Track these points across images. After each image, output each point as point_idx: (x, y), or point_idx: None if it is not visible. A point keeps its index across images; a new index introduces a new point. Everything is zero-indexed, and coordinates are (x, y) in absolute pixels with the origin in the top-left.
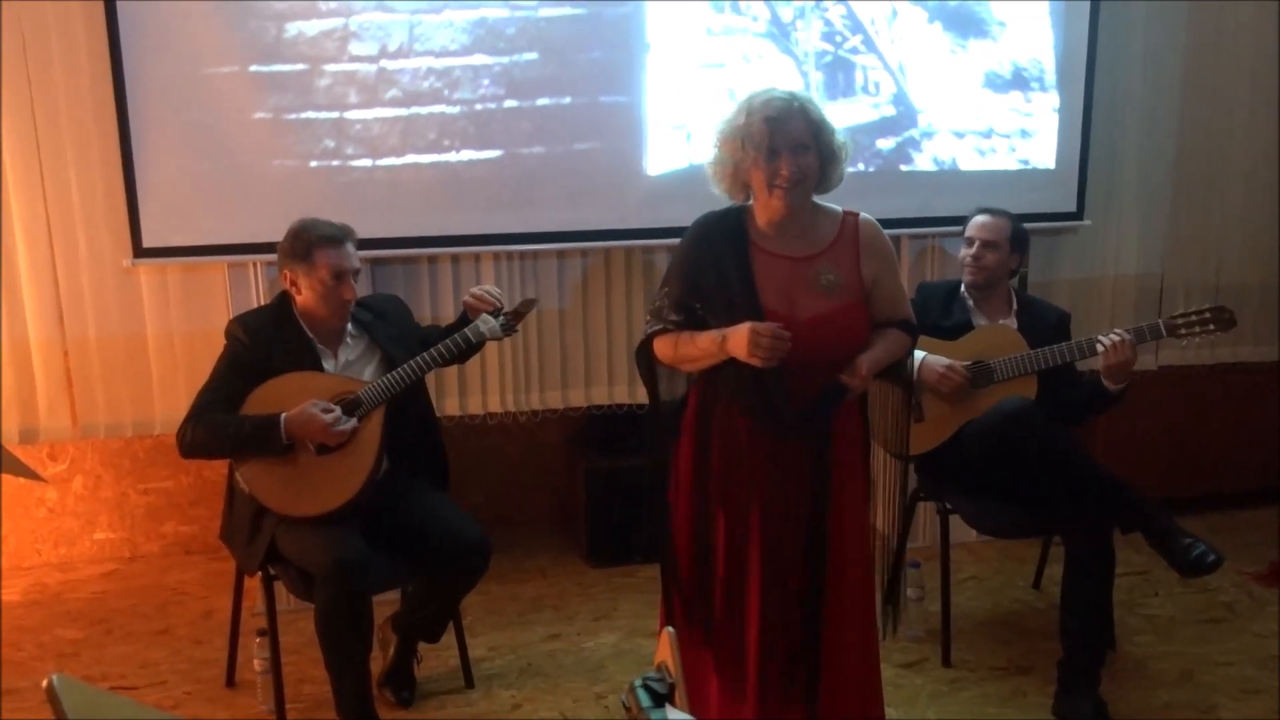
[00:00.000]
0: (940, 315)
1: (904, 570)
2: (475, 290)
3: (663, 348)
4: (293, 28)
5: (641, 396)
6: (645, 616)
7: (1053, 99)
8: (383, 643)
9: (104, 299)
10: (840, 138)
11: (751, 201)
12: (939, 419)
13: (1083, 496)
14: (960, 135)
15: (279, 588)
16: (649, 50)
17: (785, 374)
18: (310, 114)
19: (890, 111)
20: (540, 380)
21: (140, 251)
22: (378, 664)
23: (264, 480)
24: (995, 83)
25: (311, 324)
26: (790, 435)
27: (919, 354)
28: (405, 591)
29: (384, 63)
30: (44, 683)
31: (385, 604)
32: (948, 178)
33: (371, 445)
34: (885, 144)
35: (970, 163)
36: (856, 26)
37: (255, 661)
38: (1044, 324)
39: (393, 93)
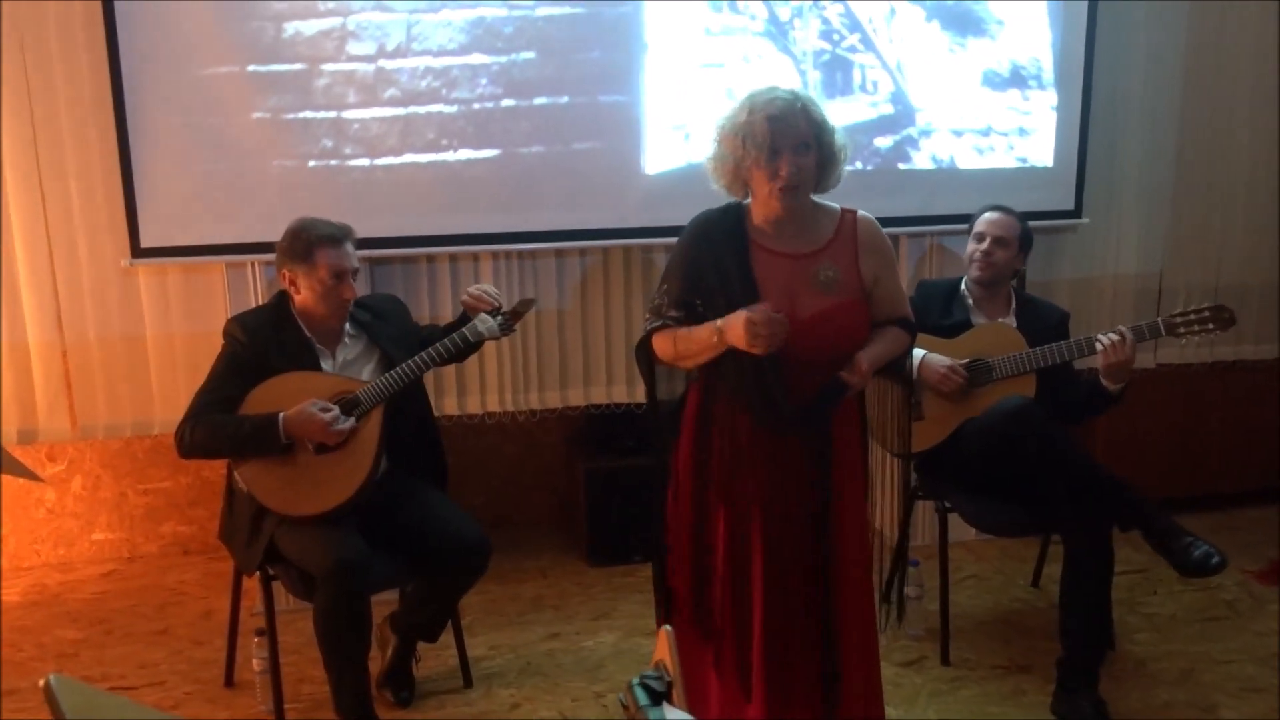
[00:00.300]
0: (940, 314)
1: (903, 568)
2: (473, 289)
3: (662, 344)
4: (290, 28)
5: (640, 396)
6: (645, 616)
7: (1051, 97)
8: (381, 643)
9: (103, 299)
10: (840, 139)
11: (749, 199)
12: (938, 417)
13: (1082, 495)
14: (959, 134)
15: (277, 588)
16: (647, 50)
17: (785, 371)
18: (308, 114)
19: (888, 110)
20: (539, 380)
21: (139, 252)
22: (376, 664)
23: (263, 480)
24: (993, 81)
25: (310, 324)
26: (790, 432)
27: (919, 352)
28: (404, 591)
29: (382, 62)
30: (41, 683)
31: (384, 604)
32: (946, 176)
33: (370, 445)
34: (883, 142)
35: (968, 161)
36: (854, 25)
37: (254, 661)
38: (1043, 323)
39: (391, 92)
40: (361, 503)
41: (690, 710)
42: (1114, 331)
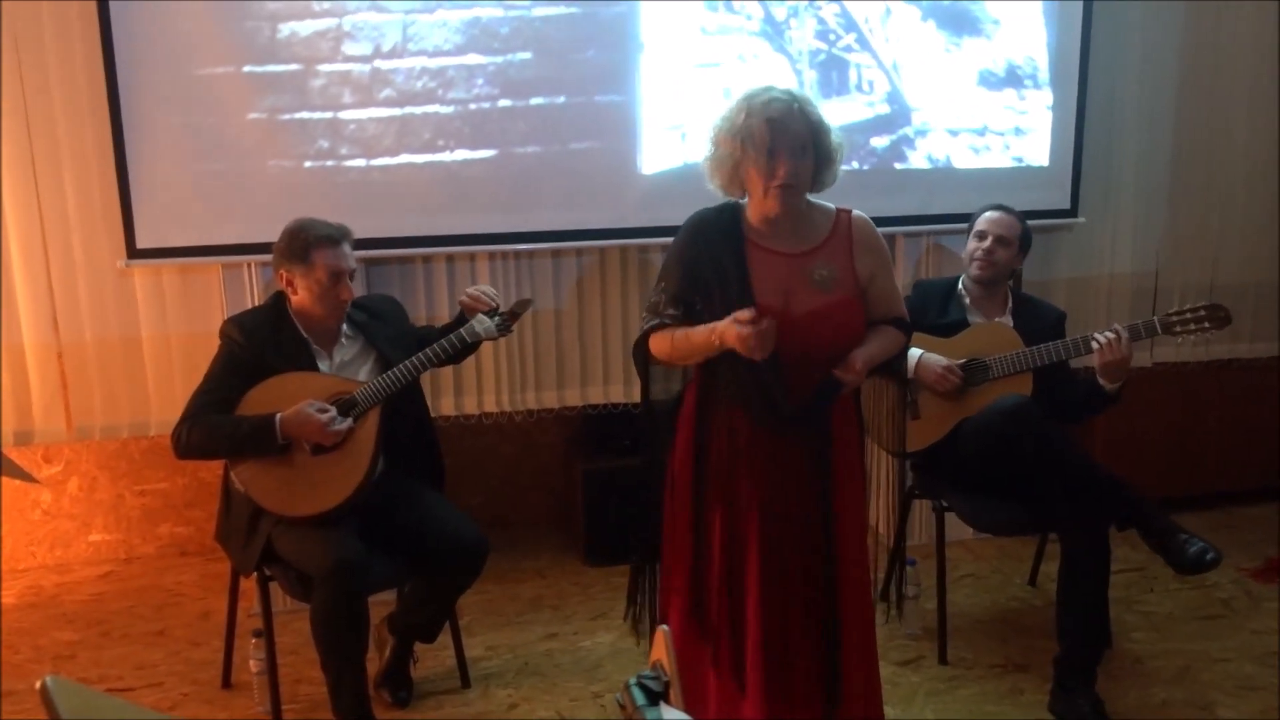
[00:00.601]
0: (938, 313)
1: (901, 567)
2: (471, 290)
3: (659, 344)
4: (286, 28)
5: (637, 395)
6: (642, 617)
7: (1047, 97)
8: (379, 643)
9: (98, 300)
10: (836, 139)
11: (746, 199)
12: (936, 417)
13: (1079, 494)
14: (954, 133)
15: (275, 589)
16: (643, 50)
17: (782, 370)
18: (304, 114)
19: (884, 109)
20: (536, 380)
21: (134, 252)
22: (374, 664)
23: (260, 481)
24: (989, 81)
25: (307, 324)
26: (788, 431)
27: (916, 352)
28: (401, 592)
29: (378, 63)
30: (37, 684)
31: (381, 604)
32: (942, 176)
33: (367, 445)
34: (879, 142)
35: (964, 160)
36: (850, 25)
37: (251, 662)
38: (1040, 323)
39: (387, 93)
40: (359, 503)
41: (688, 710)
42: (1110, 330)
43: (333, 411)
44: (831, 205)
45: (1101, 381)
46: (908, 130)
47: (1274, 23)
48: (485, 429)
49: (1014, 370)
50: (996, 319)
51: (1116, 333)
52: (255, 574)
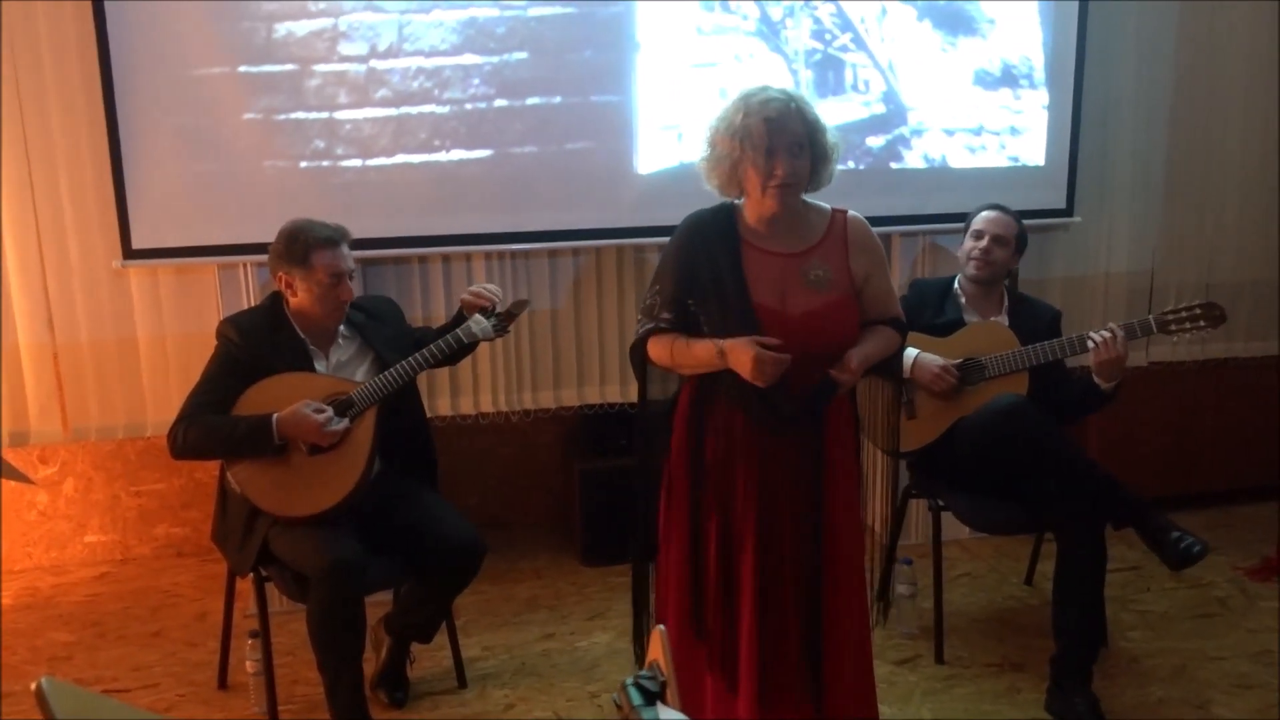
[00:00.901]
0: (934, 313)
1: (895, 566)
2: (473, 288)
3: (657, 350)
4: (282, 28)
5: (633, 395)
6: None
7: (1042, 96)
8: (375, 644)
9: (94, 301)
10: (833, 138)
11: (742, 199)
12: (932, 416)
13: (1075, 493)
14: (950, 133)
15: (271, 589)
16: (639, 49)
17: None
18: (300, 114)
19: (880, 109)
20: (532, 380)
21: (130, 253)
22: (370, 665)
23: (256, 481)
24: (985, 80)
25: (304, 325)
26: (783, 431)
27: (912, 351)
28: (398, 592)
29: (374, 63)
30: (33, 686)
31: (378, 605)
32: (938, 175)
33: (364, 446)
34: (875, 142)
35: (960, 160)
36: (846, 25)
37: (248, 663)
38: (1036, 322)
39: (383, 93)
40: (355, 504)
41: (684, 710)
42: (1106, 329)
43: (329, 412)
44: (827, 205)
45: (1097, 380)
46: (904, 130)
47: (1269, 22)
48: (482, 429)
49: (1010, 369)
50: (992, 318)
51: (1112, 332)
52: (251, 575)
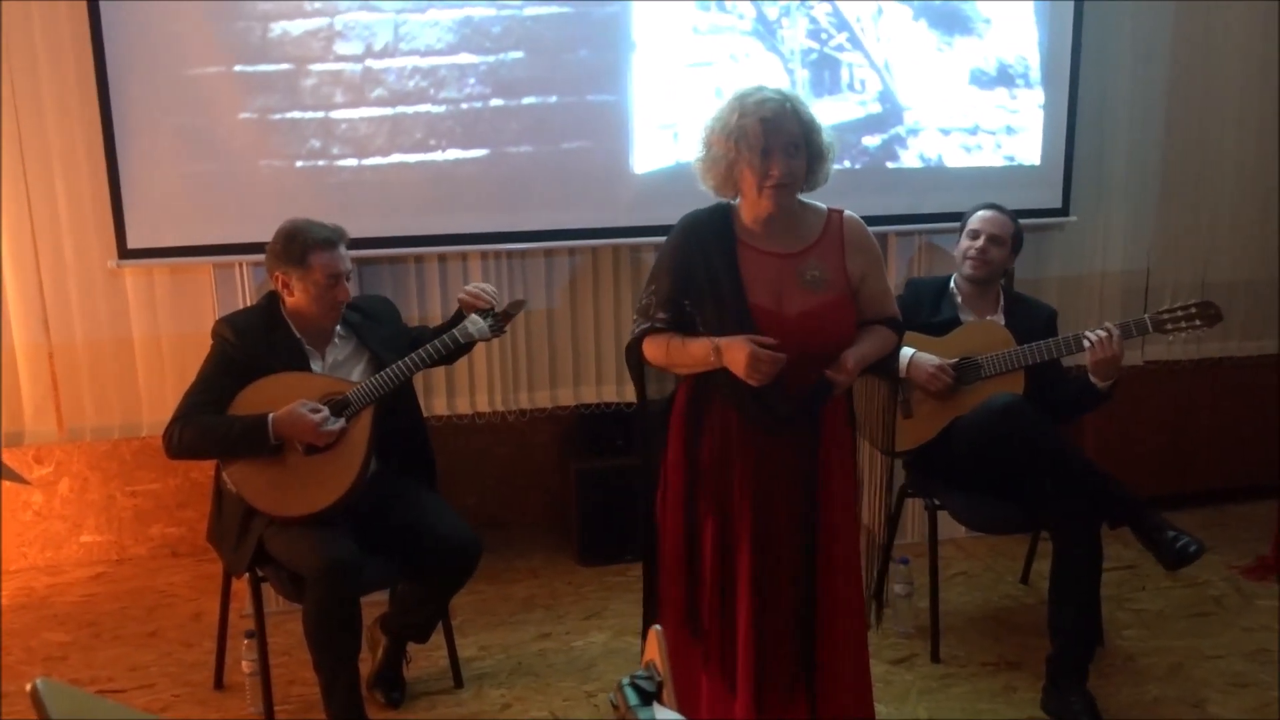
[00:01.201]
0: (930, 312)
1: (890, 565)
2: (470, 288)
3: (653, 350)
4: (277, 27)
5: (630, 395)
6: (636, 615)
7: (1038, 96)
8: (371, 644)
9: (89, 301)
10: (828, 137)
11: (738, 199)
12: (928, 415)
13: (1071, 492)
14: (946, 132)
15: (266, 589)
16: (635, 49)
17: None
18: (296, 114)
19: (876, 109)
20: (529, 379)
21: (125, 252)
22: (366, 665)
23: (252, 481)
24: (981, 80)
25: (301, 325)
26: (780, 431)
27: (908, 351)
28: (394, 592)
29: (369, 62)
30: (28, 687)
31: (373, 605)
32: (934, 174)
33: (360, 446)
34: (871, 141)
35: (956, 159)
36: (842, 24)
37: (244, 663)
38: (1032, 321)
39: (379, 92)
40: (351, 504)
41: (680, 710)
42: (1101, 328)
43: (325, 411)
44: (823, 205)
45: (1093, 380)
46: (900, 129)
47: (1264, 22)
48: (479, 429)
49: (1006, 369)
50: (988, 318)
51: (1108, 331)
52: (247, 575)
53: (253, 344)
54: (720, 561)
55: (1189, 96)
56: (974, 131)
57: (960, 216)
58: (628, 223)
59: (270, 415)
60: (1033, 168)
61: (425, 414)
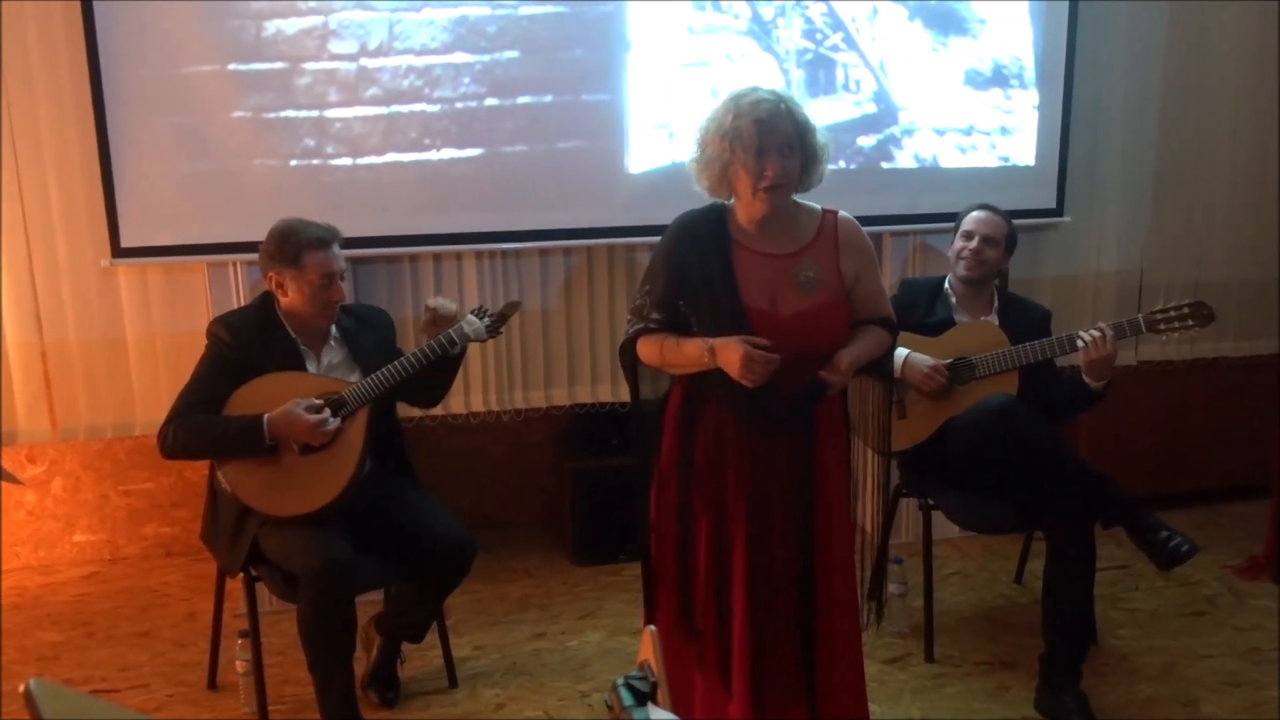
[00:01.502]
0: (924, 312)
1: (886, 565)
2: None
3: (647, 350)
4: (271, 26)
5: (625, 395)
6: (630, 615)
7: (1032, 96)
8: (366, 644)
9: (83, 300)
10: (822, 138)
11: (733, 200)
12: (922, 415)
13: (1064, 492)
14: (941, 132)
15: (260, 589)
16: (630, 49)
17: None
18: (290, 113)
19: (871, 109)
20: (523, 379)
21: (119, 251)
22: (361, 665)
23: (247, 481)
24: (975, 80)
25: (296, 325)
26: (774, 431)
27: (903, 351)
28: (388, 592)
29: (364, 61)
30: (21, 687)
31: (368, 604)
32: (929, 175)
33: (356, 446)
34: (866, 141)
35: (951, 160)
36: (837, 24)
37: (237, 663)
38: (1026, 322)
39: (373, 91)
40: (346, 504)
41: (675, 711)
42: (1095, 328)
43: (326, 411)
44: (818, 206)
45: (1087, 380)
46: (894, 130)
47: (1258, 23)
48: (474, 429)
49: (1000, 369)
50: (983, 318)
51: (1102, 331)
52: (242, 574)
53: (248, 344)
54: (715, 562)
55: (1183, 97)
56: (969, 132)
57: (955, 217)
58: (623, 222)
59: (265, 415)
60: (1027, 168)
61: (420, 413)
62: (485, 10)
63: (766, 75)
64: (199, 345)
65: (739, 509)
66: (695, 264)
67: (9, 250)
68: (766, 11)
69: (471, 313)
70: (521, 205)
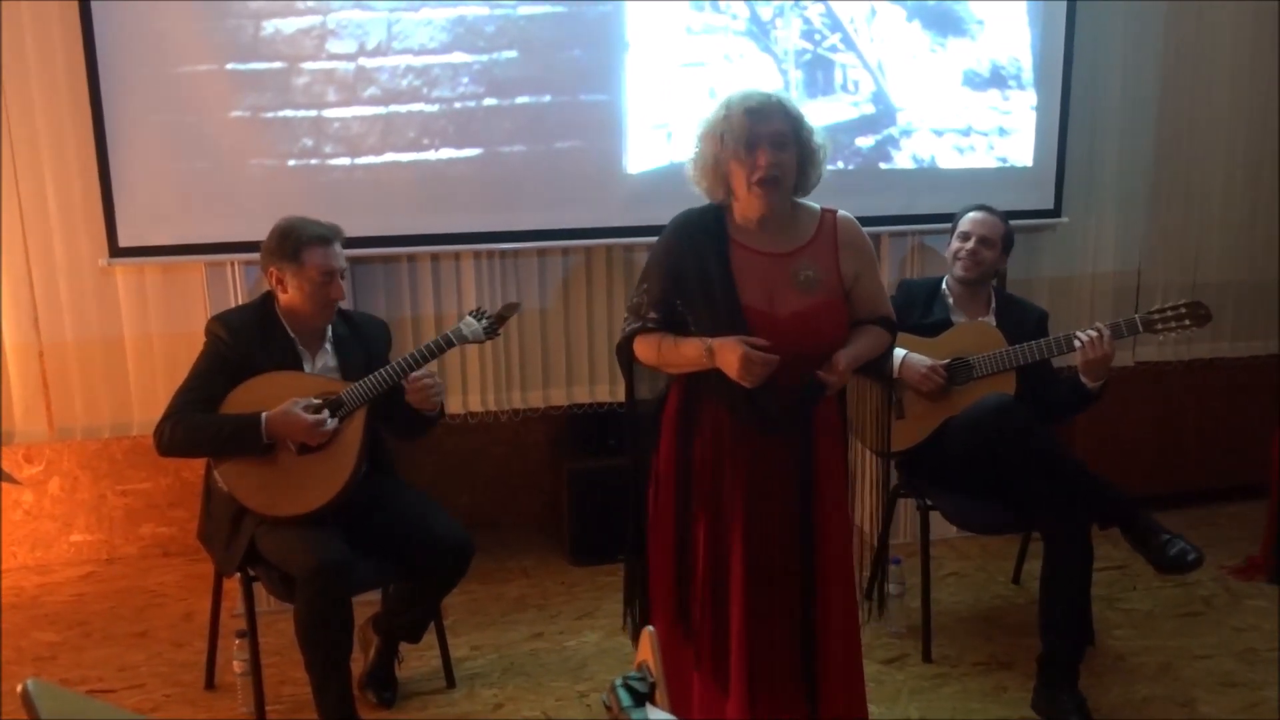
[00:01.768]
0: (922, 313)
1: (885, 566)
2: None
3: (644, 349)
4: (270, 25)
5: (623, 395)
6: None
7: (1030, 97)
8: (363, 643)
9: (80, 299)
10: (819, 138)
11: (731, 200)
12: (920, 416)
13: (1062, 493)
14: (939, 133)
15: (258, 589)
16: (629, 49)
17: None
18: (288, 112)
19: (870, 109)
20: (521, 379)
21: (116, 251)
22: (358, 665)
23: (244, 481)
24: (973, 81)
25: (295, 324)
26: (771, 431)
27: (900, 352)
28: (386, 592)
29: (362, 61)
30: (19, 688)
31: (366, 604)
32: (927, 176)
33: (353, 446)
34: (865, 142)
35: (949, 161)
36: (835, 25)
37: (235, 663)
38: (1023, 322)
39: (371, 91)
40: (343, 505)
41: (673, 711)
42: (1092, 328)
43: (325, 412)
44: (817, 206)
45: (1084, 380)
46: (893, 130)
47: (1254, 24)
48: (471, 429)
49: (997, 369)
50: (980, 318)
51: (1099, 331)
52: (239, 574)
53: (246, 342)
54: (712, 562)
55: (1180, 98)
56: (967, 133)
57: (953, 218)
58: (621, 223)
59: (263, 414)
60: (1025, 169)
61: None
62: (484, 10)
63: (765, 76)
64: (196, 345)
65: (737, 509)
66: (693, 263)
67: (6, 250)
68: (765, 12)
69: (470, 314)
70: (520, 205)
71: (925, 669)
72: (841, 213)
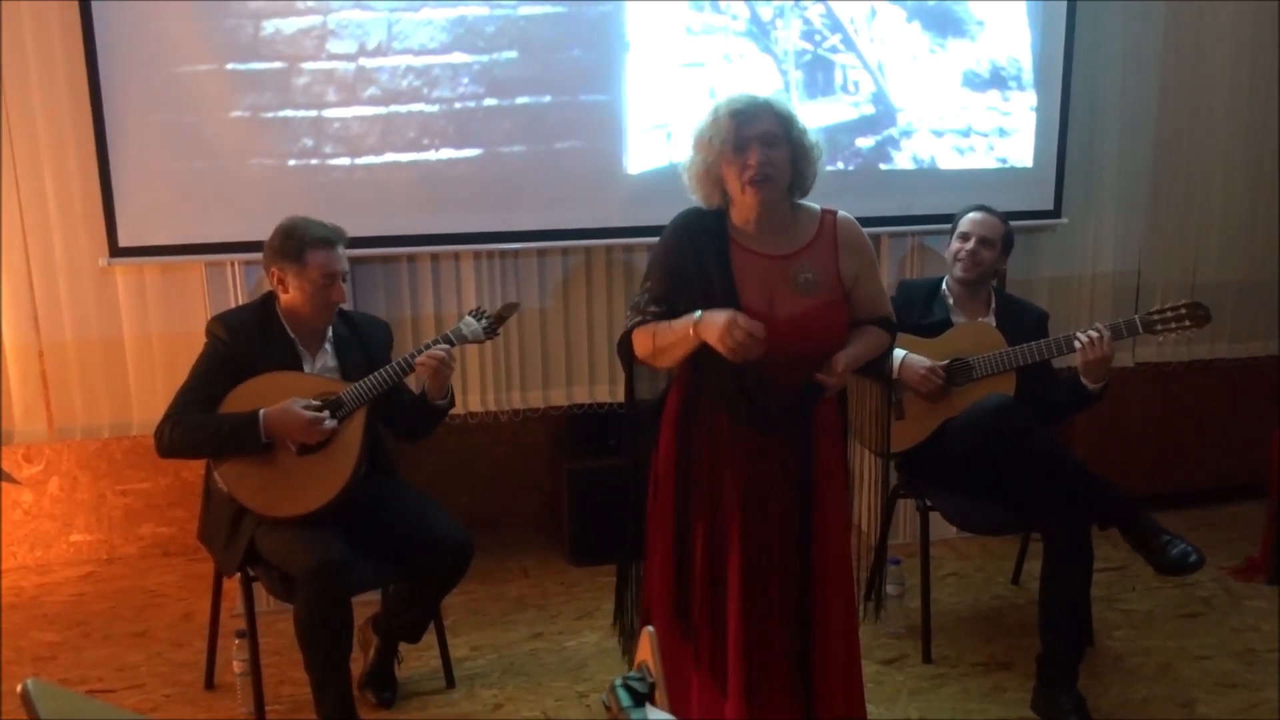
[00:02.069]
0: (921, 313)
1: (884, 566)
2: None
3: (641, 340)
4: (270, 25)
5: (623, 395)
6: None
7: (1030, 98)
8: (363, 644)
9: (80, 299)
10: (812, 136)
11: (729, 204)
12: (920, 417)
13: (1061, 493)
14: (939, 134)
15: (258, 589)
16: (629, 49)
17: (765, 371)
18: (288, 113)
19: (869, 110)
20: (521, 379)
21: (116, 251)
22: (358, 665)
23: (244, 481)
24: (973, 82)
25: (295, 324)
26: (771, 432)
27: (900, 353)
28: (386, 592)
29: (362, 61)
30: (18, 687)
31: (365, 604)
32: (927, 176)
33: (353, 446)
34: (865, 143)
35: (949, 161)
36: (835, 25)
37: (234, 663)
38: (1023, 323)
39: (371, 91)
40: (343, 505)
41: (671, 711)
42: (1092, 329)
43: (325, 412)
44: (817, 207)
45: (1084, 381)
46: (892, 131)
47: (1254, 24)
48: (471, 429)
49: (997, 370)
50: (980, 319)
51: (1099, 331)
52: (239, 574)
53: (246, 343)
54: (711, 562)
55: (1180, 99)
56: (966, 133)
57: (953, 218)
58: (620, 223)
59: (262, 412)
60: (1025, 169)
61: None
62: (484, 10)
63: (765, 76)
64: (196, 345)
65: (736, 509)
66: (693, 263)
67: (6, 250)
68: (765, 12)
69: (469, 314)
70: (519, 205)
71: (924, 669)
72: (842, 213)
